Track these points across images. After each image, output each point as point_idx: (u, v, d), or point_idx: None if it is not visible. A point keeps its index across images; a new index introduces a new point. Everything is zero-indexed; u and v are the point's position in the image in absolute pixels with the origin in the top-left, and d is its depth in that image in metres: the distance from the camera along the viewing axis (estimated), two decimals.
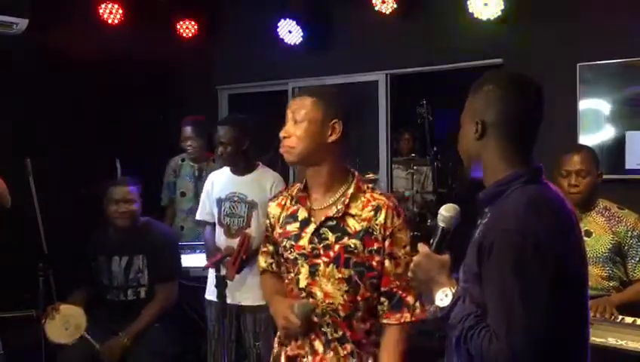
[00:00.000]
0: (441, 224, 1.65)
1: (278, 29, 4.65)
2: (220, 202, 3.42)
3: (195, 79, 5.33)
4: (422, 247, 1.64)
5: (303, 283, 1.94)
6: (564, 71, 3.72)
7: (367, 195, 1.95)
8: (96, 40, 4.60)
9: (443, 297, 1.56)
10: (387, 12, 4.23)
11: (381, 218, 1.91)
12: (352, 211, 1.92)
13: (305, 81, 5.03)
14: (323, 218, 1.93)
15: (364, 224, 1.91)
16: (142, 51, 4.69)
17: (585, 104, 3.71)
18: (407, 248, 1.94)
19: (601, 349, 2.34)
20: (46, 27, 4.13)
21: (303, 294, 1.93)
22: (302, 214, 1.97)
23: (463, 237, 1.73)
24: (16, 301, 3.82)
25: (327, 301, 1.91)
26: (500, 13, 3.77)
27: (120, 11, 4.78)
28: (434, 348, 4.13)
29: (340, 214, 1.91)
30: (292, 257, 1.95)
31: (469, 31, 3.98)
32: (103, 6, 4.74)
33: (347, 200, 1.93)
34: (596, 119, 3.70)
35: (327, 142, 1.91)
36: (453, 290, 1.55)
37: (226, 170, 3.49)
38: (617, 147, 3.62)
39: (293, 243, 1.96)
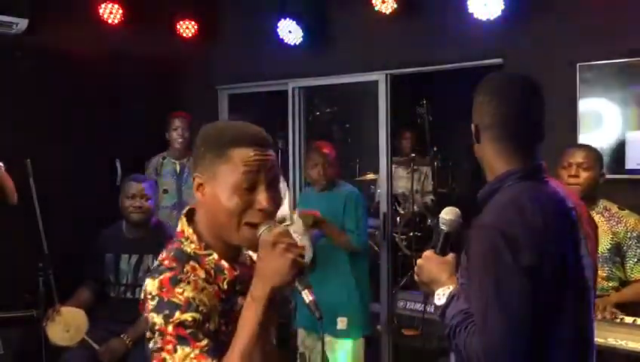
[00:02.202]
0: (442, 227, 1.69)
1: (278, 29, 4.64)
2: None
3: (195, 79, 5.33)
4: (426, 251, 1.70)
5: None
6: (564, 71, 3.72)
7: None
8: (96, 40, 4.60)
9: (441, 296, 1.60)
10: (387, 12, 4.23)
11: None
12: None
13: (305, 81, 5.02)
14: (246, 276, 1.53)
15: None
16: (142, 51, 4.69)
17: (585, 104, 3.71)
18: None
19: (601, 349, 2.35)
20: (46, 27, 4.13)
21: None
22: (240, 288, 1.53)
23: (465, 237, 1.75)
24: (16, 301, 3.82)
25: None
26: (499, 13, 3.77)
27: (120, 11, 4.77)
28: (434, 348, 4.14)
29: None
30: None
31: (469, 31, 3.98)
32: (103, 6, 4.73)
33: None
34: (596, 119, 3.70)
35: None
36: (451, 289, 1.58)
37: None
38: (617, 147, 3.62)
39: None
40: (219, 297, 1.45)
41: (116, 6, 4.76)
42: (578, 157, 2.93)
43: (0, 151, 3.61)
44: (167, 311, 1.37)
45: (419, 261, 1.70)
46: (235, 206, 1.42)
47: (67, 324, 3.26)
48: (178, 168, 4.48)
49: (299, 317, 3.80)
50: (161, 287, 1.40)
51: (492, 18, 3.79)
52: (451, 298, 1.56)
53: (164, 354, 1.38)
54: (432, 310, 1.70)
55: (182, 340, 1.36)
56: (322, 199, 3.75)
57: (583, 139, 3.67)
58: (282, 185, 4.06)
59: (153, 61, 4.76)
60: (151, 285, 1.43)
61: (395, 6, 4.19)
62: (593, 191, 2.94)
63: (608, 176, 3.27)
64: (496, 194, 1.58)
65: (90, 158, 4.54)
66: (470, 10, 3.83)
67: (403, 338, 4.66)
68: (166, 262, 1.47)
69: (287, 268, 1.35)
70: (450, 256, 1.69)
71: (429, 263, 1.68)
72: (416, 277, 1.72)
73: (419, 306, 3.42)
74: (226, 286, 1.48)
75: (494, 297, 1.42)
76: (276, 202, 1.47)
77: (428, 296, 1.73)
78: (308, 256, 3.67)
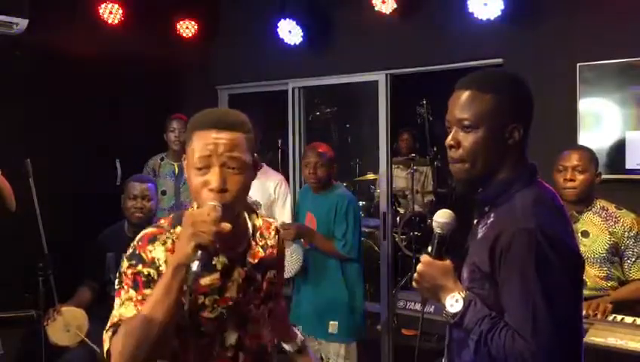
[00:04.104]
0: (436, 230, 1.65)
1: (278, 29, 4.64)
2: None
3: (195, 79, 5.34)
4: (423, 257, 1.64)
5: (232, 340, 1.68)
6: (564, 71, 3.72)
7: (263, 220, 1.83)
8: (96, 40, 4.60)
9: (453, 303, 1.56)
10: (387, 12, 4.23)
11: (279, 239, 1.85)
12: (269, 241, 1.79)
13: (305, 81, 5.03)
14: (255, 261, 1.70)
15: (275, 250, 1.80)
16: (142, 51, 4.68)
17: (585, 104, 3.71)
18: None
19: (601, 349, 2.35)
20: (46, 27, 4.13)
21: (231, 352, 1.68)
22: (218, 264, 1.65)
23: (463, 238, 1.73)
24: (17, 301, 3.82)
25: (256, 343, 1.74)
26: (499, 13, 3.77)
27: (120, 11, 4.77)
28: (433, 348, 4.15)
29: (270, 250, 1.77)
30: (214, 315, 1.65)
31: (469, 31, 3.99)
32: (102, 6, 4.74)
33: (264, 232, 1.79)
34: (596, 119, 3.70)
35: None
36: (463, 295, 1.56)
37: None
38: (617, 147, 3.62)
39: (216, 297, 1.64)
40: None
41: (116, 6, 4.76)
42: (573, 160, 2.92)
43: (0, 152, 3.61)
44: (133, 261, 1.60)
45: (418, 267, 1.64)
46: (194, 185, 1.58)
47: (67, 324, 3.26)
48: (177, 169, 4.47)
49: (295, 316, 3.80)
50: (139, 240, 1.64)
51: (492, 18, 3.80)
52: (468, 304, 1.53)
53: (121, 292, 1.59)
54: (432, 311, 1.69)
55: (135, 284, 1.57)
56: (316, 201, 3.75)
57: (582, 139, 3.67)
58: (282, 189, 4.07)
59: (153, 61, 4.76)
60: (138, 235, 1.66)
61: (395, 6, 4.19)
62: (590, 192, 2.95)
63: (608, 176, 3.27)
64: (510, 197, 1.57)
65: (90, 158, 4.54)
66: (470, 10, 3.83)
67: (403, 338, 4.66)
68: (162, 221, 1.70)
69: (190, 251, 1.45)
70: (448, 261, 1.65)
71: (431, 270, 1.62)
72: (415, 284, 1.66)
73: (419, 306, 3.42)
74: None
75: (543, 300, 1.44)
76: (233, 182, 1.56)
77: (426, 301, 1.71)
78: (294, 269, 3.69)
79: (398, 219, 5.96)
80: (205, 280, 1.62)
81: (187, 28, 5.10)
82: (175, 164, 4.48)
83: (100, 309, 3.50)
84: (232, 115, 1.65)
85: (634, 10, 3.53)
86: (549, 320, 1.43)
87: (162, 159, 4.51)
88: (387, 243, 4.68)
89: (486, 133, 1.58)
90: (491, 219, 1.59)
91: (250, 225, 1.74)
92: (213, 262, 1.63)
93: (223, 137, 1.57)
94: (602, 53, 3.62)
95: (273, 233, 1.82)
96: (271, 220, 1.88)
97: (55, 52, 4.32)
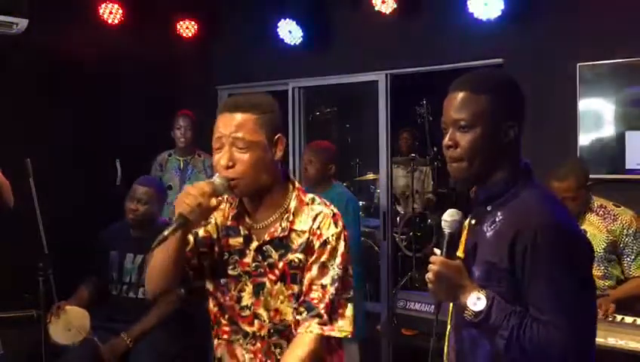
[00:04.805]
0: (447, 230, 1.66)
1: (278, 29, 4.65)
2: None
3: (195, 79, 5.34)
4: (435, 258, 1.62)
5: (247, 302, 1.81)
6: (564, 71, 3.72)
7: (308, 207, 1.80)
8: (96, 40, 4.60)
9: (476, 301, 1.55)
10: (387, 12, 4.23)
11: (315, 225, 1.76)
12: (296, 226, 1.78)
13: (305, 81, 5.03)
14: (267, 237, 1.78)
15: (305, 236, 1.77)
16: (142, 51, 4.69)
17: (585, 104, 3.71)
18: (340, 261, 1.75)
19: (601, 349, 2.35)
20: (46, 27, 4.13)
21: (247, 312, 1.81)
22: (242, 230, 1.82)
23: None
24: (17, 301, 3.82)
25: (278, 319, 1.79)
26: (499, 13, 3.77)
27: (120, 11, 4.77)
28: (433, 348, 4.13)
29: (286, 233, 1.77)
30: (235, 273, 1.82)
31: (469, 31, 3.99)
32: (103, 6, 4.74)
33: (291, 216, 1.78)
34: (596, 119, 3.70)
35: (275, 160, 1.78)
36: (484, 293, 1.56)
37: None
38: (617, 147, 3.62)
39: (237, 258, 1.81)
40: (225, 217, 1.85)
41: (116, 6, 4.76)
42: (562, 191, 2.86)
43: (0, 152, 3.60)
44: None
45: (433, 268, 1.61)
46: (214, 163, 1.75)
47: (69, 323, 3.26)
48: (182, 165, 4.49)
49: None
50: None
51: (492, 18, 3.80)
52: (492, 301, 1.53)
53: None
54: (434, 310, 1.69)
55: None
56: None
57: (583, 139, 3.67)
58: None
59: (153, 61, 4.76)
60: None
61: (395, 6, 4.19)
62: (585, 204, 2.96)
63: (608, 176, 3.27)
64: (515, 195, 1.59)
65: (90, 158, 4.54)
66: (470, 10, 3.83)
67: (403, 338, 4.65)
68: None
69: (177, 216, 1.66)
70: (459, 261, 1.64)
71: (447, 269, 1.60)
72: (430, 286, 1.63)
73: (419, 306, 3.42)
74: (230, 214, 1.84)
75: (575, 290, 1.49)
76: (239, 159, 1.70)
77: (440, 305, 1.69)
78: None
79: (398, 219, 5.96)
80: (233, 241, 1.82)
81: (187, 28, 5.10)
82: (180, 160, 4.50)
83: (101, 308, 3.50)
84: (248, 97, 1.77)
85: (634, 10, 3.53)
86: (581, 309, 1.49)
87: (170, 155, 4.54)
88: (387, 243, 4.68)
89: (483, 132, 1.60)
90: (500, 218, 1.59)
91: (292, 205, 1.80)
92: (240, 227, 1.81)
93: (231, 119, 1.71)
94: (602, 53, 3.62)
95: (309, 219, 1.78)
96: (318, 208, 1.80)
97: (55, 52, 4.32)
